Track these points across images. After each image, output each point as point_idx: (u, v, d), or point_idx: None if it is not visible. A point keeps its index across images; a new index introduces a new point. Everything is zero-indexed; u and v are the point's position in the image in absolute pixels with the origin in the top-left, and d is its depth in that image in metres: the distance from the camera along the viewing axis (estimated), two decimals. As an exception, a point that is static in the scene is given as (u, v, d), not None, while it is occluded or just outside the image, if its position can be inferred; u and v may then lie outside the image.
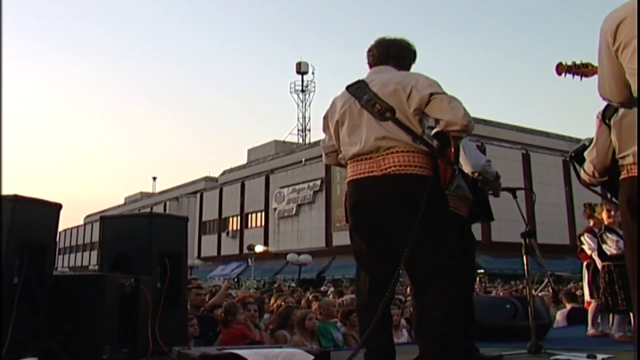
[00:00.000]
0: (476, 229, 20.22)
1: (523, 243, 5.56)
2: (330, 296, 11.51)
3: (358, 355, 3.53)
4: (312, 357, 3.65)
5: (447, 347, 3.48)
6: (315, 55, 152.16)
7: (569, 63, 3.94)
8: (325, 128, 4.11)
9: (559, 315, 10.46)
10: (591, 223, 7.77)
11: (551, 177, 36.72)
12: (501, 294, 13.73)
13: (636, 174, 2.94)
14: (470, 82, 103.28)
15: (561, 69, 4.01)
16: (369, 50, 4.06)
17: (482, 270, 29.08)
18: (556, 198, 35.82)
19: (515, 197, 5.73)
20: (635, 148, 2.93)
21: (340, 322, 7.80)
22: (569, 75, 3.96)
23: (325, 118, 4.08)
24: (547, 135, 41.30)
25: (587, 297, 7.84)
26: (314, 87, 64.14)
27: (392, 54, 3.99)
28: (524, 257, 5.57)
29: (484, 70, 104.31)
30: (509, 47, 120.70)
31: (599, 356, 4.68)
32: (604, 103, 3.30)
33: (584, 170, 3.93)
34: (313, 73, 63.74)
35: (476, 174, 4.88)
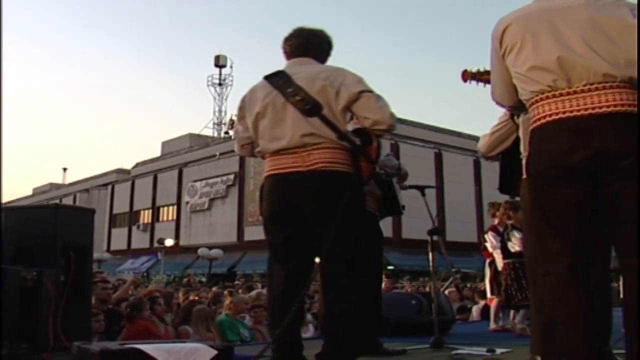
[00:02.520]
0: (387, 225, 20.45)
1: (429, 240, 5.69)
2: (240, 291, 11.53)
3: (267, 349, 3.54)
4: (215, 352, 3.62)
5: (352, 343, 3.52)
6: (235, 48, 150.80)
7: (474, 70, 4.07)
8: (241, 119, 3.96)
9: (475, 311, 10.84)
10: (495, 222, 8.01)
11: (462, 176, 37.59)
12: (409, 289, 13.99)
13: None
14: (385, 80, 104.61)
15: (466, 76, 4.15)
16: (287, 40, 3.94)
17: (392, 267, 29.54)
18: (466, 197, 36.72)
19: (423, 194, 5.84)
20: None
21: (248, 317, 7.81)
22: (474, 82, 4.09)
23: (242, 109, 3.93)
24: (459, 135, 42.23)
25: (488, 293, 8.10)
26: (232, 80, 63.66)
27: (313, 45, 3.91)
28: (430, 254, 5.70)
29: (399, 69, 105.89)
30: (425, 46, 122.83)
31: (498, 350, 4.84)
32: None
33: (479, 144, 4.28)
34: (231, 67, 63.27)
35: (377, 169, 4.95)
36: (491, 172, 4.17)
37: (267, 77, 3.80)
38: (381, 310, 5.22)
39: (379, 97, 3.63)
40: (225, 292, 10.45)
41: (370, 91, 3.63)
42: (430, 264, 5.77)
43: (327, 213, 3.49)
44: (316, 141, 3.56)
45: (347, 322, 3.50)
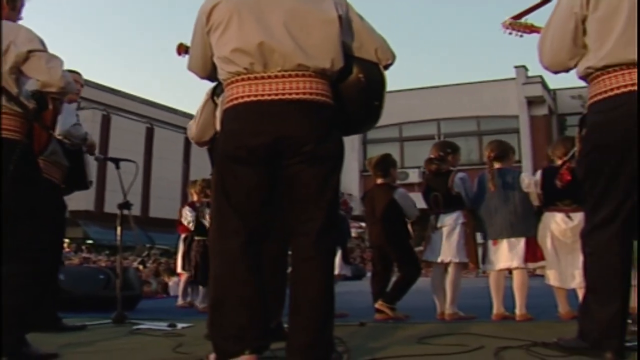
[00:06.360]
0: (89, 198, 19.62)
1: (119, 214, 5.61)
2: None
3: None
4: None
5: (21, 318, 3.34)
6: None
7: (188, 44, 4.06)
8: None
9: (171, 284, 10.95)
10: (195, 198, 8.14)
11: (171, 153, 37.40)
12: (104, 264, 13.75)
13: None
14: (103, 47, 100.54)
15: (181, 49, 4.14)
16: None
17: (91, 241, 28.63)
18: (174, 174, 36.62)
19: (118, 167, 5.74)
20: None
21: None
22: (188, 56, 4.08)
23: None
24: (175, 112, 41.96)
25: (179, 268, 8.22)
26: None
27: None
28: (118, 228, 5.62)
29: (118, 38, 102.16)
30: (145, 17, 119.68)
31: (180, 325, 4.89)
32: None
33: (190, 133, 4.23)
34: None
35: (62, 137, 4.75)
36: (201, 150, 4.24)
37: None
38: (59, 283, 5.05)
39: (51, 57, 3.41)
40: None
41: (42, 50, 3.39)
42: (118, 238, 5.69)
43: None
44: None
45: (15, 297, 3.31)
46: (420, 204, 6.08)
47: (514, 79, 29.47)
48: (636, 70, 2.85)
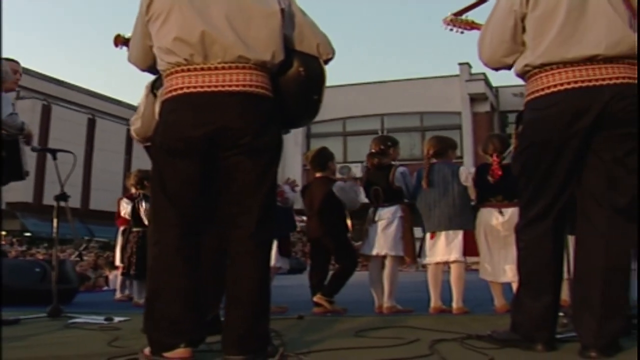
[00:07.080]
0: (27, 190, 19.17)
1: (56, 206, 5.51)
2: None
3: None
4: None
5: None
6: None
7: (127, 36, 3.99)
8: None
9: (112, 278, 10.83)
10: (133, 190, 8.05)
11: (113, 145, 36.83)
12: (41, 257, 13.49)
13: None
14: (42, 36, 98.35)
15: (118, 40, 4.08)
16: None
17: (29, 233, 28.06)
18: (115, 165, 36.07)
19: (55, 158, 5.64)
20: None
21: None
22: (125, 48, 4.01)
23: None
24: (117, 103, 41.30)
25: (117, 261, 8.13)
26: None
27: None
28: (55, 220, 5.52)
29: (57, 26, 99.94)
30: (87, 7, 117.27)
31: (117, 318, 4.83)
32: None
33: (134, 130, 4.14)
34: None
35: None
36: (144, 142, 4.21)
37: None
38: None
39: None
40: None
41: None
42: (55, 230, 5.59)
43: None
44: None
45: None
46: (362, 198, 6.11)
47: (457, 75, 29.83)
48: (572, 68, 2.91)
